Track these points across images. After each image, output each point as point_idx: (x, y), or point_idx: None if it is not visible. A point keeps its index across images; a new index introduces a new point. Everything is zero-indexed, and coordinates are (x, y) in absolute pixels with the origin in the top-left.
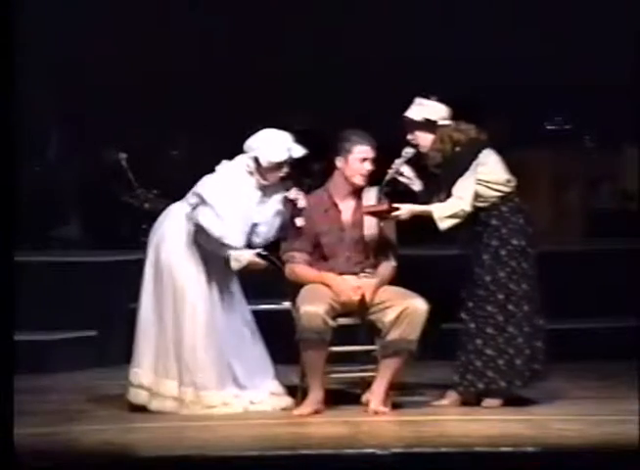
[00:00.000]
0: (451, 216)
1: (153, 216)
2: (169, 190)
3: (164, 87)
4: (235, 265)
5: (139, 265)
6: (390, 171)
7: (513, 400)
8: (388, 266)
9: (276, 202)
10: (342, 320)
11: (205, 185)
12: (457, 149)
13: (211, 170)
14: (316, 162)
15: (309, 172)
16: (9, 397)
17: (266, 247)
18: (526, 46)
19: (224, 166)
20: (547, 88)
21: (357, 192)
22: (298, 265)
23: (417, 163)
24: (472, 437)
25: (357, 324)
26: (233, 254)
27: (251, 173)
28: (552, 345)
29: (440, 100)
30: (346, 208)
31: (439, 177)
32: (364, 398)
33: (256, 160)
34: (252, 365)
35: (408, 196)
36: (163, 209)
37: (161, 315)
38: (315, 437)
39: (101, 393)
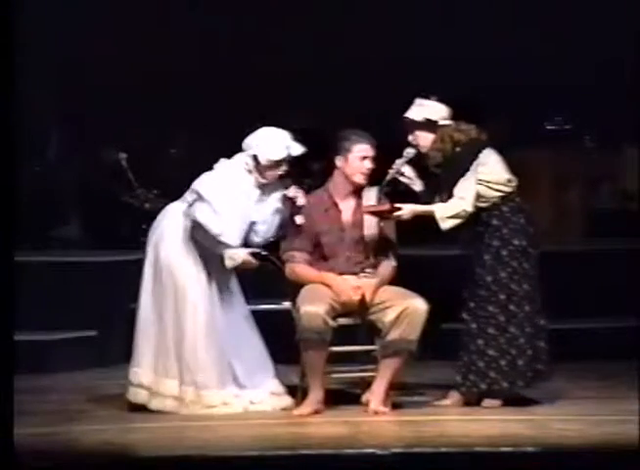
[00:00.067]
0: (453, 217)
1: (153, 216)
2: (169, 190)
3: (164, 87)
4: (229, 264)
5: (139, 265)
6: (391, 171)
7: (513, 400)
8: (388, 266)
9: (275, 200)
10: (342, 320)
11: (203, 182)
12: (457, 149)
13: (211, 170)
14: (316, 161)
15: (309, 172)
16: (9, 397)
17: (266, 247)
18: (527, 46)
19: (222, 164)
20: (547, 88)
21: (357, 192)
22: (299, 265)
23: (417, 163)
24: (472, 437)
25: (357, 324)
26: (228, 252)
27: (249, 171)
28: (552, 345)
29: (440, 100)
30: (347, 207)
31: (440, 177)
32: (364, 398)
33: (255, 158)
34: (252, 364)
35: (408, 196)
36: (163, 208)
37: (161, 315)
38: (315, 437)
39: (101, 393)
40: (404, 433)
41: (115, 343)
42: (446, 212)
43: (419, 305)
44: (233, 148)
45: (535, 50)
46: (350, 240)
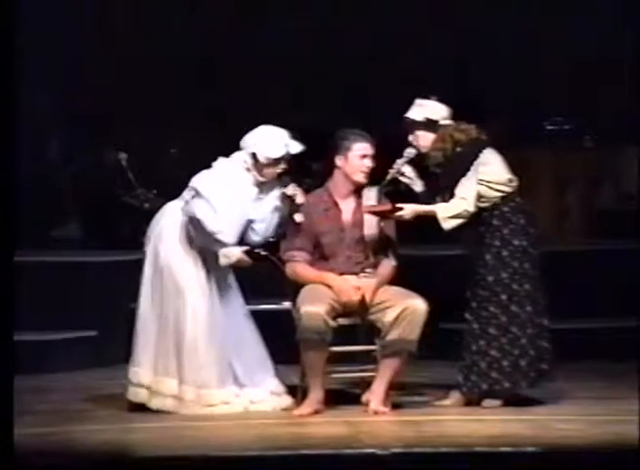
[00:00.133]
0: (455, 217)
1: (153, 216)
2: (169, 190)
3: (164, 87)
4: (224, 261)
5: (139, 265)
6: (392, 171)
7: (513, 400)
8: (388, 266)
9: (273, 198)
10: (343, 320)
11: (202, 179)
12: (458, 149)
13: (209, 168)
14: (315, 161)
15: (309, 172)
16: (9, 397)
17: (267, 247)
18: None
19: (221, 163)
20: (547, 88)
21: (358, 191)
22: (299, 265)
23: (418, 163)
24: (472, 437)
25: (357, 324)
26: (222, 250)
27: (248, 170)
28: (552, 345)
29: (440, 100)
30: (347, 207)
31: (440, 177)
32: (364, 398)
33: (254, 156)
34: (252, 363)
35: (408, 196)
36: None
37: (161, 314)
38: (315, 437)
39: (101, 393)
40: (404, 433)
41: (115, 343)
42: (448, 213)
43: (419, 306)
44: (233, 147)
45: (535, 50)
46: (351, 240)
